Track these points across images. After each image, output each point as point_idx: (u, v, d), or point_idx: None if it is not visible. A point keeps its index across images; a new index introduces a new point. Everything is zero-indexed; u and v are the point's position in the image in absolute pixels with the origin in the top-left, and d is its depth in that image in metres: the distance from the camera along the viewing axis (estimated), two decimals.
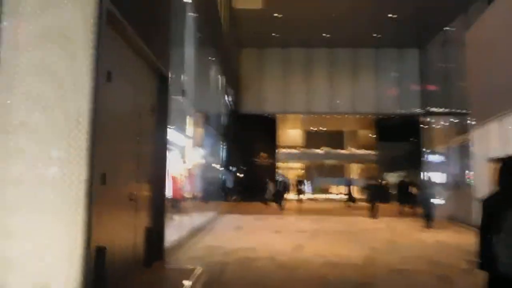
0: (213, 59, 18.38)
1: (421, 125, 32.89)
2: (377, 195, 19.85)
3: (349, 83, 30.53)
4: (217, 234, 12.72)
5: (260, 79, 30.37)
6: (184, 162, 16.21)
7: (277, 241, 11.29)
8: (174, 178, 14.33)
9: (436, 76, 31.63)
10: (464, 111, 32.39)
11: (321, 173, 36.85)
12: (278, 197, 21.46)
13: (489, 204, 3.22)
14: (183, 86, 11.13)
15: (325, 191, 35.93)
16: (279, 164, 34.13)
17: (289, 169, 36.15)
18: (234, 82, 27.97)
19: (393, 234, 13.13)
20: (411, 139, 32.80)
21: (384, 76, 31.06)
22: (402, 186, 22.06)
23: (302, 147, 36.28)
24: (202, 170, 19.60)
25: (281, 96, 30.20)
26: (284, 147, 35.03)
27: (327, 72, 30.50)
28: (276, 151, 33.06)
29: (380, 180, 22.19)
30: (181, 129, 15.75)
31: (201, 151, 19.47)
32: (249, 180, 28.86)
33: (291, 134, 37.98)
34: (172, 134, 14.30)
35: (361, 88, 30.44)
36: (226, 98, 24.97)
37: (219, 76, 20.30)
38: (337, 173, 38.08)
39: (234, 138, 30.31)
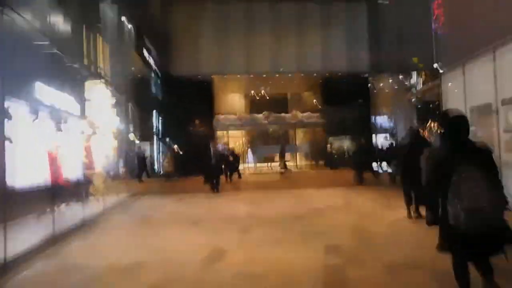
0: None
1: (370, 85, 29.37)
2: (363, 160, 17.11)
3: (293, 39, 26.16)
4: (102, 234, 8.21)
5: (194, 37, 25.32)
6: (72, 132, 11.51)
7: (187, 244, 6.98)
8: (51, 156, 9.70)
9: (386, 32, 27.95)
10: (416, 69, 29.45)
11: (265, 141, 32.66)
12: (211, 174, 15.07)
13: (438, 160, 3.12)
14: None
15: (270, 160, 31.89)
16: (218, 133, 29.66)
17: (230, 138, 31.71)
18: (161, 40, 23.02)
19: (357, 216, 9.15)
20: (359, 101, 29.23)
21: (332, 31, 26.88)
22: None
23: (243, 113, 31.77)
24: (109, 143, 14.96)
25: (217, 56, 25.43)
26: (223, 114, 30.46)
27: (269, 28, 25.92)
28: (214, 118, 28.54)
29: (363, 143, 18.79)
30: (69, 90, 11.05)
31: (107, 119, 14.72)
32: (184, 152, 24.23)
33: (231, 99, 33.27)
34: (51, 95, 9.64)
35: (307, 45, 26.19)
36: (148, 57, 20.06)
37: (129, 30, 15.26)
38: (282, 140, 34.07)
39: (164, 105, 25.56)
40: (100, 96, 13.26)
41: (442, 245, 3.15)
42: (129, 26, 14.60)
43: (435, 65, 13.09)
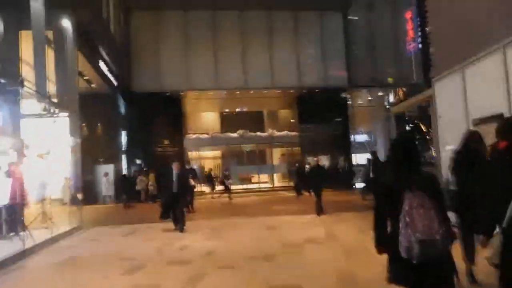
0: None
1: (348, 102, 27.68)
2: (318, 182, 12.91)
3: (265, 52, 24.40)
4: None
5: (158, 49, 23.32)
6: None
7: None
8: None
9: (362, 44, 26.46)
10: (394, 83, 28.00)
11: (240, 161, 30.47)
12: (171, 206, 10.84)
13: (387, 184, 2.99)
14: None
15: (246, 181, 29.66)
16: (191, 154, 27.40)
17: (202, 158, 29.43)
18: (118, 53, 20.85)
19: (345, 256, 7.04)
20: (336, 119, 27.50)
21: (305, 44, 25.28)
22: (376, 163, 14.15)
23: (217, 132, 29.54)
24: (53, 166, 12.58)
25: (183, 70, 23.42)
26: (196, 133, 28.21)
27: (239, 39, 24.14)
28: (185, 137, 26.26)
29: (318, 162, 14.27)
30: None
31: (50, 140, 12.38)
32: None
33: (204, 117, 31.13)
34: None
35: (280, 58, 24.44)
36: (105, 71, 17.83)
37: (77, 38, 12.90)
38: (258, 159, 31.92)
39: (129, 123, 23.27)
40: (37, 112, 10.97)
41: (391, 277, 2.93)
42: (72, 32, 12.25)
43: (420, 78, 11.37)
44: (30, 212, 11.03)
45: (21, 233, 9.66)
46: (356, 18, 26.04)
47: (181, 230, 10.45)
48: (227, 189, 20.52)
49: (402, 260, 2.71)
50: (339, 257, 6.96)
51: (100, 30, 15.87)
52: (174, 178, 10.99)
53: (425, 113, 31.53)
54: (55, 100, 10.88)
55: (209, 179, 23.58)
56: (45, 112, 10.26)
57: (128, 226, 11.83)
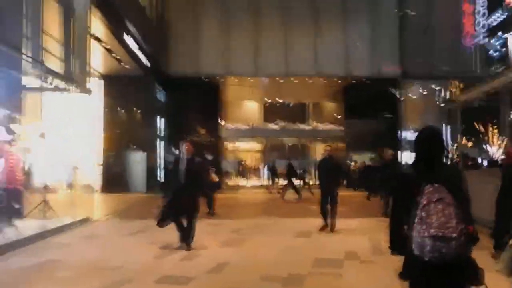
0: None
1: (398, 93, 25.19)
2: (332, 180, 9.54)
3: (310, 38, 22.30)
4: None
5: (196, 30, 21.74)
6: None
7: None
8: None
9: (418, 33, 23.87)
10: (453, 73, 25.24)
11: (280, 155, 28.61)
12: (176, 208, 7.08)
13: (405, 178, 2.71)
14: None
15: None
16: (226, 145, 25.83)
17: (240, 151, 27.70)
18: (151, 30, 19.50)
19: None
20: (385, 113, 25.16)
21: (355, 30, 22.94)
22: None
23: (256, 122, 27.70)
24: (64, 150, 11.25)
25: (222, 54, 21.73)
26: (234, 123, 26.52)
27: (282, 23, 22.17)
28: (221, 126, 24.68)
29: (329, 153, 9.93)
30: None
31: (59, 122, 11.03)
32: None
33: (243, 106, 29.39)
34: None
35: (326, 43, 22.30)
36: (133, 47, 16.42)
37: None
38: (301, 154, 29.92)
39: (160, 108, 21.90)
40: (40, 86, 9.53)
41: (403, 273, 2.55)
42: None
43: None
44: (34, 200, 9.75)
45: (13, 225, 8.30)
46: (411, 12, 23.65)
47: (188, 246, 7.03)
48: (306, 184, 19.27)
49: (415, 258, 2.36)
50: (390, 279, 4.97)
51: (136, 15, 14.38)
52: (183, 165, 7.22)
53: (484, 109, 28.60)
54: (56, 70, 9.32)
55: (272, 172, 21.96)
56: (47, 86, 8.78)
57: (142, 222, 10.23)
